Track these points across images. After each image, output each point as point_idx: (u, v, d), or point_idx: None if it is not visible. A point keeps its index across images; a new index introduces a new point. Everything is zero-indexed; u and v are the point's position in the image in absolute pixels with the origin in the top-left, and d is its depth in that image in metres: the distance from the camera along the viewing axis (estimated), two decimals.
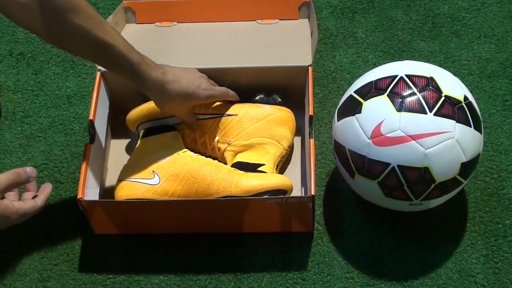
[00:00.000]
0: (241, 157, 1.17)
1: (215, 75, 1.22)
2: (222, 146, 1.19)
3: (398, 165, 1.01)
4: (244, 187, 1.10)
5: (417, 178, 1.02)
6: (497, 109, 1.31)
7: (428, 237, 1.15)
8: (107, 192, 1.21)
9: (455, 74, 1.10)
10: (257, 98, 1.22)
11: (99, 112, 1.20)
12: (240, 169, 1.14)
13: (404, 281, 1.11)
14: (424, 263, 1.13)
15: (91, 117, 1.17)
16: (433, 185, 1.03)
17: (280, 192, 1.11)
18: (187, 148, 1.18)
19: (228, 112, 1.19)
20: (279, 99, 1.22)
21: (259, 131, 1.17)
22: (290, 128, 1.21)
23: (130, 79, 1.07)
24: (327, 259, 1.14)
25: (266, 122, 1.18)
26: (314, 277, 1.12)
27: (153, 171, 1.14)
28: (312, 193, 1.07)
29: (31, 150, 1.31)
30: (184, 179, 1.13)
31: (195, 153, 1.18)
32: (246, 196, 1.10)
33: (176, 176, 1.13)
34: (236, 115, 1.19)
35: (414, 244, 1.15)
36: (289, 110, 1.22)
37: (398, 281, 1.11)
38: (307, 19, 1.36)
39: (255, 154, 1.16)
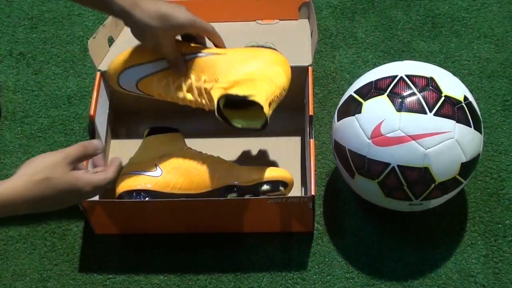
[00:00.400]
0: (231, 91, 1.05)
1: None
2: (209, 85, 1.07)
3: (398, 165, 1.01)
4: (245, 177, 1.10)
5: (417, 178, 1.02)
6: (497, 109, 1.31)
7: (428, 237, 1.15)
8: (107, 192, 1.21)
9: (455, 74, 1.10)
10: (248, 44, 1.13)
11: (99, 112, 1.20)
12: (228, 101, 1.05)
13: (404, 281, 1.11)
14: (424, 263, 1.13)
15: (91, 117, 1.17)
16: (433, 185, 1.03)
17: (280, 183, 1.12)
18: (172, 101, 1.12)
19: (216, 52, 1.10)
20: (273, 46, 1.13)
21: (250, 67, 1.08)
22: (285, 71, 1.11)
23: (98, 5, 1.03)
24: (327, 259, 1.14)
25: (259, 60, 1.09)
26: (314, 277, 1.12)
27: (155, 165, 1.14)
28: (312, 193, 1.07)
29: (31, 150, 1.31)
30: (186, 172, 1.13)
31: (182, 103, 1.11)
32: (246, 190, 1.10)
33: (178, 169, 1.13)
34: (225, 54, 1.09)
35: (414, 244, 1.15)
36: (283, 55, 1.13)
37: (398, 281, 1.11)
38: (307, 19, 1.36)
39: (245, 87, 1.05)
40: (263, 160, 1.24)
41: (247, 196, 1.13)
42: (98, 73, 1.23)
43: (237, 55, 1.09)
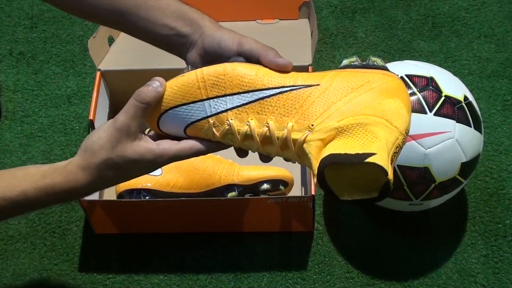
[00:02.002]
0: (335, 147, 0.70)
1: None
2: (300, 136, 0.72)
3: (398, 165, 1.01)
4: (245, 176, 1.11)
5: (417, 178, 1.02)
6: (497, 109, 1.31)
7: (428, 237, 1.15)
8: (107, 192, 1.21)
9: (455, 74, 1.10)
10: (345, 62, 0.77)
11: (99, 111, 1.20)
12: (334, 160, 0.70)
13: (404, 281, 1.11)
14: (424, 263, 1.13)
15: (91, 116, 1.17)
16: (433, 185, 1.03)
17: (280, 183, 1.12)
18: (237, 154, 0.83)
19: (303, 83, 0.73)
20: (382, 63, 0.76)
21: (358, 105, 0.72)
22: (405, 102, 0.74)
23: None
24: (327, 259, 1.14)
25: (368, 92, 0.73)
26: (314, 276, 1.12)
27: None
28: (312, 192, 1.07)
29: (31, 149, 1.31)
30: (186, 171, 1.13)
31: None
32: (246, 189, 1.10)
33: (178, 168, 1.13)
34: (318, 85, 0.73)
35: (414, 244, 1.15)
36: (399, 78, 0.76)
37: (398, 281, 1.11)
38: (307, 19, 1.36)
39: (356, 140, 0.71)
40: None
41: (247, 195, 1.13)
42: (98, 73, 1.23)
43: (336, 85, 0.73)
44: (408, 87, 1.03)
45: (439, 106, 1.01)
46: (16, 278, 1.15)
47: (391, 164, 0.70)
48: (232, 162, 1.16)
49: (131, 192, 1.13)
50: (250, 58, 0.75)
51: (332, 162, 0.68)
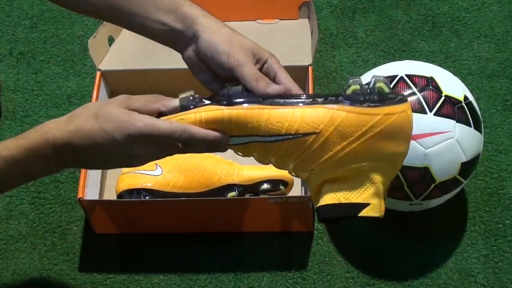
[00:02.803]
0: (332, 190, 0.74)
1: None
2: (301, 173, 0.77)
3: None
4: (245, 176, 1.11)
5: (417, 178, 1.01)
6: (497, 109, 1.31)
7: (428, 237, 1.15)
8: (107, 192, 1.21)
9: (455, 74, 1.10)
10: (348, 91, 0.72)
11: None
12: (331, 213, 0.75)
13: (404, 281, 1.11)
14: (424, 263, 1.13)
15: None
16: (433, 185, 1.03)
17: (281, 183, 1.12)
18: None
19: (301, 131, 0.72)
20: (386, 88, 0.72)
21: (357, 154, 0.72)
22: (406, 136, 0.74)
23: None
24: (327, 259, 1.14)
25: (369, 139, 0.71)
26: (314, 276, 1.12)
27: (155, 164, 1.14)
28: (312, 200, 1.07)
29: None
30: (186, 171, 1.13)
31: None
32: (247, 189, 1.10)
33: (179, 168, 1.13)
34: (319, 133, 0.71)
35: (414, 244, 1.15)
36: (404, 105, 0.72)
37: (398, 281, 1.11)
38: (307, 19, 1.36)
39: (354, 186, 0.74)
40: None
41: (247, 195, 1.13)
42: (98, 73, 1.23)
43: (336, 132, 0.71)
44: (408, 87, 1.03)
45: (439, 106, 1.01)
46: (16, 278, 1.15)
47: (384, 199, 0.75)
48: (232, 162, 1.16)
49: (131, 192, 1.13)
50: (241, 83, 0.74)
51: (329, 214, 0.74)
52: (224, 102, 0.72)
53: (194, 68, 0.79)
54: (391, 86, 1.03)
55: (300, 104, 0.72)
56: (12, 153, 0.72)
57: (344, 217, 0.74)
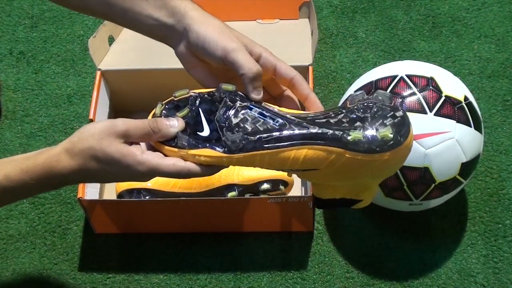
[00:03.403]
0: (330, 193, 0.79)
1: None
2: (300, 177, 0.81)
3: None
4: (245, 176, 1.11)
5: (417, 178, 1.01)
6: (498, 109, 1.31)
7: (428, 237, 1.15)
8: (107, 191, 1.21)
9: (455, 74, 1.10)
10: (350, 138, 0.71)
11: (99, 111, 1.20)
12: (328, 205, 0.81)
13: (404, 281, 1.11)
14: (424, 263, 1.13)
15: (91, 116, 1.17)
16: (433, 185, 1.03)
17: (280, 182, 1.12)
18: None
19: (302, 168, 0.73)
20: (388, 98, 0.74)
21: (357, 177, 0.75)
22: (404, 159, 0.75)
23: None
24: (327, 259, 1.14)
25: (369, 170, 0.73)
26: (314, 276, 1.12)
27: None
28: (312, 192, 1.07)
29: (31, 149, 1.30)
30: None
31: None
32: (246, 189, 1.10)
33: None
34: (318, 169, 0.73)
35: (414, 244, 1.15)
36: (407, 142, 0.71)
37: (398, 281, 1.11)
38: (307, 19, 1.36)
39: (351, 191, 0.79)
40: None
41: (247, 195, 1.13)
42: (99, 72, 1.23)
43: (335, 172, 0.73)
44: (408, 87, 1.03)
45: (439, 106, 1.01)
46: (16, 277, 1.15)
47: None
48: None
49: (131, 192, 1.13)
50: (232, 69, 0.74)
51: (326, 205, 0.80)
52: (225, 150, 0.72)
53: (187, 64, 0.78)
54: (392, 86, 1.04)
55: (303, 146, 0.71)
56: (13, 185, 0.72)
57: (338, 207, 0.80)
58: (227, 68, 0.75)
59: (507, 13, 1.46)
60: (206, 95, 0.75)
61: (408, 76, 1.04)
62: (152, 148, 0.73)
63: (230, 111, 0.73)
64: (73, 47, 1.46)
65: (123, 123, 0.71)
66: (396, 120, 0.71)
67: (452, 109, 1.02)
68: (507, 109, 1.31)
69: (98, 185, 1.18)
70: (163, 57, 1.18)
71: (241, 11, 1.36)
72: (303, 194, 1.18)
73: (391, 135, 0.70)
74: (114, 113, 1.29)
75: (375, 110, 0.71)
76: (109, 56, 1.26)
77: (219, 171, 0.75)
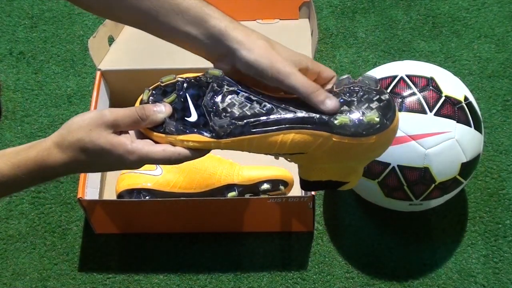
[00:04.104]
0: (317, 175, 0.78)
1: None
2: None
3: (398, 165, 1.01)
4: (245, 176, 1.11)
5: (417, 178, 1.01)
6: (498, 109, 1.31)
7: (428, 237, 1.15)
8: (107, 192, 1.21)
9: (455, 74, 1.10)
10: (337, 122, 0.70)
11: None
12: (314, 187, 0.79)
13: (404, 281, 1.11)
14: (424, 263, 1.13)
15: None
16: (433, 185, 1.03)
17: (280, 183, 1.12)
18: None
19: (289, 152, 0.74)
20: (374, 82, 0.72)
21: (343, 161, 0.75)
22: (390, 142, 0.75)
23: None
24: (327, 259, 1.14)
25: (356, 153, 0.73)
26: (314, 277, 1.12)
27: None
28: (312, 192, 1.07)
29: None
30: (186, 170, 1.13)
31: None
32: (246, 189, 1.10)
33: (178, 168, 1.13)
34: (305, 153, 0.74)
35: (414, 244, 1.15)
36: (393, 124, 0.70)
37: (398, 281, 1.11)
38: (307, 19, 1.36)
39: (337, 174, 0.78)
40: (263, 159, 1.24)
41: (247, 195, 1.13)
42: (98, 72, 1.23)
43: (322, 154, 0.73)
44: (408, 87, 1.03)
45: (439, 106, 1.01)
46: (16, 277, 1.15)
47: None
48: (232, 162, 1.16)
49: (131, 192, 1.13)
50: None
51: (312, 187, 0.78)
52: (212, 135, 0.72)
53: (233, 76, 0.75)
54: (392, 86, 1.04)
55: (290, 130, 0.72)
56: (5, 180, 0.72)
57: (325, 189, 0.80)
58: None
59: (507, 13, 1.46)
60: (193, 80, 0.74)
61: (408, 76, 1.04)
62: (141, 135, 0.73)
63: (217, 96, 0.73)
64: (73, 47, 1.46)
65: (110, 113, 0.71)
66: (382, 104, 0.70)
67: (452, 109, 1.01)
68: (507, 109, 1.31)
69: (98, 185, 1.18)
70: (163, 57, 1.18)
71: (241, 11, 1.36)
72: (303, 194, 1.18)
73: (378, 119, 0.70)
74: None
75: (361, 94, 0.72)
76: (109, 56, 1.26)
77: (208, 152, 0.76)
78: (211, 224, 1.16)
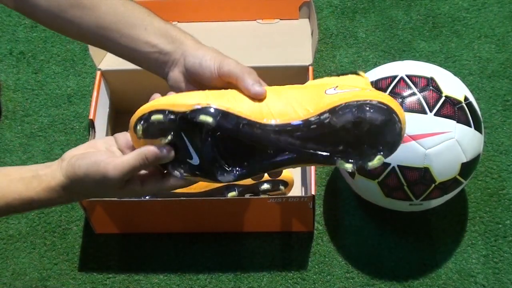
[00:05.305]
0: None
1: None
2: None
3: (398, 165, 1.01)
4: None
5: (417, 178, 1.01)
6: (498, 109, 1.31)
7: (428, 237, 1.15)
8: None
9: (455, 74, 1.10)
10: (340, 165, 0.69)
11: (99, 111, 1.20)
12: None
13: (404, 281, 1.11)
14: (424, 263, 1.13)
15: (91, 116, 1.17)
16: (433, 185, 1.03)
17: (280, 183, 1.12)
18: None
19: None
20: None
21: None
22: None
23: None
24: (327, 259, 1.14)
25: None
26: (314, 277, 1.12)
27: None
28: (312, 192, 1.07)
29: (31, 149, 1.30)
30: None
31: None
32: (247, 189, 1.10)
33: None
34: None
35: (414, 244, 1.15)
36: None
37: (398, 281, 1.11)
38: (307, 19, 1.36)
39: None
40: None
41: (247, 195, 1.13)
42: (99, 72, 1.23)
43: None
44: (408, 87, 1.03)
45: (440, 106, 1.01)
46: (16, 277, 1.15)
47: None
48: None
49: None
50: (229, 80, 0.74)
51: None
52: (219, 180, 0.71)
53: (179, 90, 0.78)
54: (392, 86, 1.04)
55: (296, 164, 0.70)
56: (8, 203, 0.73)
57: None
58: (221, 86, 0.75)
59: (507, 13, 1.46)
60: (184, 120, 0.69)
61: (408, 76, 1.04)
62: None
63: (217, 146, 0.69)
64: (73, 47, 1.46)
65: (114, 171, 0.70)
66: (388, 145, 0.68)
67: (452, 109, 1.01)
68: (507, 109, 1.31)
69: None
70: None
71: (241, 11, 1.36)
72: (303, 194, 1.18)
73: (384, 158, 0.68)
74: (114, 113, 1.29)
75: (364, 139, 0.68)
76: (109, 56, 1.26)
77: None
78: (211, 224, 1.16)
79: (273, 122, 0.68)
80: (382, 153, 0.68)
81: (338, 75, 0.74)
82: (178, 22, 1.37)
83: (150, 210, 1.13)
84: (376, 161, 0.68)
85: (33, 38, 1.48)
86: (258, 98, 0.71)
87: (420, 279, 1.11)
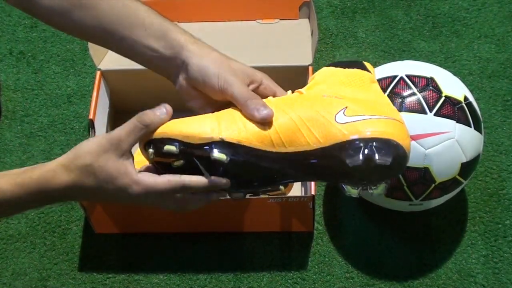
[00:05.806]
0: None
1: None
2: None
3: None
4: None
5: (417, 178, 1.01)
6: (498, 109, 1.31)
7: (428, 237, 1.15)
8: None
9: (455, 74, 1.10)
10: (347, 192, 0.73)
11: (99, 111, 1.20)
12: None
13: (404, 281, 1.11)
14: (424, 263, 1.13)
15: (91, 116, 1.17)
16: (433, 185, 1.03)
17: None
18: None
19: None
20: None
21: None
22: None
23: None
24: (327, 259, 1.14)
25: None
26: (314, 277, 1.12)
27: None
28: (312, 192, 1.07)
29: (31, 149, 1.30)
30: None
31: None
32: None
33: None
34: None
35: (414, 244, 1.15)
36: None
37: (398, 281, 1.11)
38: (307, 19, 1.36)
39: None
40: None
41: (247, 195, 1.13)
42: (98, 72, 1.23)
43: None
44: (408, 87, 1.03)
45: (439, 106, 1.01)
46: (16, 277, 1.15)
47: None
48: None
49: None
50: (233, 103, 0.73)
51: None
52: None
53: (187, 96, 0.77)
54: (392, 86, 1.04)
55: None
56: (7, 199, 0.72)
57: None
58: (227, 100, 0.74)
59: (507, 13, 1.46)
60: (195, 148, 0.70)
61: (408, 76, 1.04)
62: (157, 173, 0.73)
63: (225, 173, 0.71)
64: (73, 47, 1.46)
65: (116, 133, 0.71)
66: (394, 176, 0.71)
67: (452, 109, 1.01)
68: (507, 109, 1.31)
69: None
70: None
71: (241, 11, 1.36)
72: (303, 194, 1.18)
73: (388, 186, 0.71)
74: (114, 113, 1.29)
75: (372, 174, 0.70)
76: (109, 56, 1.26)
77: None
78: (211, 224, 1.16)
79: (283, 150, 0.70)
80: (387, 182, 0.71)
81: (344, 67, 0.77)
82: (178, 22, 1.38)
83: (150, 210, 1.13)
84: (380, 189, 0.71)
85: (33, 38, 1.48)
86: (264, 123, 0.71)
87: (420, 279, 1.11)
